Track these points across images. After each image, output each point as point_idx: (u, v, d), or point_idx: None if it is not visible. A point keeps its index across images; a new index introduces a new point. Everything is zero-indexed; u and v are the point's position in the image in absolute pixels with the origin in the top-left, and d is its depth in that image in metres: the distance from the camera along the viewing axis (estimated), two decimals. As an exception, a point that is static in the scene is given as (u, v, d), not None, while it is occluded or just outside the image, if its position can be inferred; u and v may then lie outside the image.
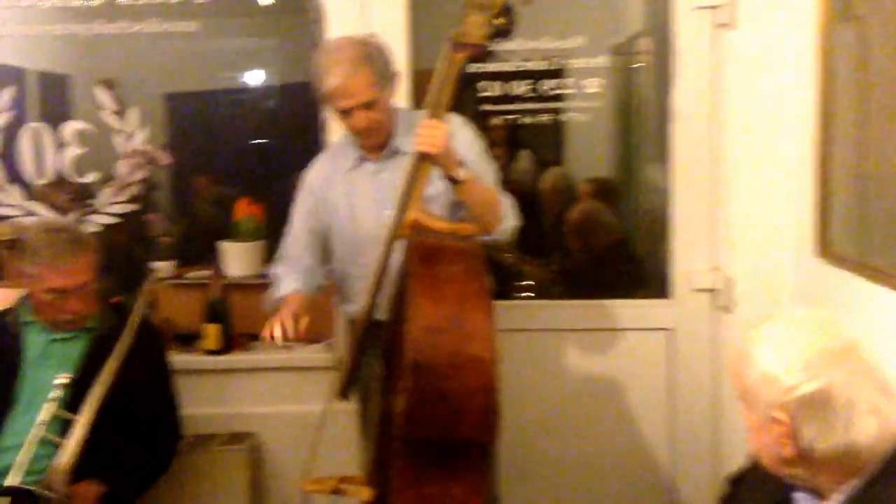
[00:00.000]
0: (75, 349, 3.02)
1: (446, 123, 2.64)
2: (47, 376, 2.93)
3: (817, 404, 1.63)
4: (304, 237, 3.08)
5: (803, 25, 2.91)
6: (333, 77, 2.78)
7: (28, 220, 3.76)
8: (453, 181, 2.69)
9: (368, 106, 2.82)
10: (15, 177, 3.80)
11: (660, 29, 3.53)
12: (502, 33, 3.35)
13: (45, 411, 2.83)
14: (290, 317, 2.78)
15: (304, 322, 2.79)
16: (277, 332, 2.74)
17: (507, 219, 2.88)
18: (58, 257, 2.89)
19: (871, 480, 1.65)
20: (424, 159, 2.63)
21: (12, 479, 2.75)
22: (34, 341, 3.03)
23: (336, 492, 2.67)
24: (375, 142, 2.96)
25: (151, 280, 3.12)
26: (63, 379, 2.86)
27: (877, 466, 1.65)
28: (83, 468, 2.83)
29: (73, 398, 2.86)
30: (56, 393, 2.84)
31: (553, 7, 3.53)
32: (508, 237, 2.93)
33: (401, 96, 3.32)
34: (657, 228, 3.65)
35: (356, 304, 2.98)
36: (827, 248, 2.84)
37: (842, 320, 1.79)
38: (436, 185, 2.79)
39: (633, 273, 3.83)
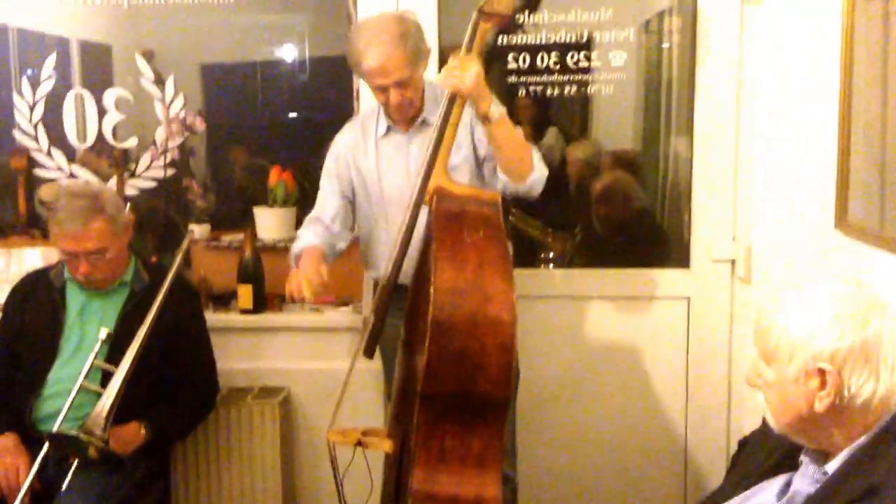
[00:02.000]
0: (114, 305, 3.12)
1: (475, 63, 2.66)
2: (88, 330, 3.07)
3: (866, 354, 1.66)
4: (334, 202, 3.14)
5: (829, 2, 2.92)
6: (371, 56, 2.83)
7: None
8: (487, 120, 2.71)
9: (402, 84, 2.88)
10: (58, 141, 3.93)
11: (688, 4, 3.56)
12: (530, 5, 3.43)
13: (87, 363, 2.95)
14: (309, 271, 2.84)
15: (323, 271, 2.85)
16: (295, 289, 2.80)
17: (538, 168, 2.90)
18: (69, 222, 2.96)
19: (877, 437, 1.68)
20: (456, 102, 2.65)
21: (55, 427, 2.88)
22: (75, 297, 3.13)
23: (359, 443, 2.73)
24: (407, 116, 3.02)
25: (186, 239, 3.18)
26: (105, 333, 2.97)
27: (883, 424, 1.69)
28: (125, 416, 2.96)
29: (112, 351, 2.98)
30: (97, 346, 2.97)
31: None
32: (540, 188, 2.94)
33: (429, 71, 3.33)
34: (680, 200, 3.70)
35: (381, 268, 3.04)
36: (846, 220, 2.83)
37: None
38: (460, 152, 2.84)
39: (656, 244, 3.86)
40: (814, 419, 1.71)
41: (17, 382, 3.10)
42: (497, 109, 2.70)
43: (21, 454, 2.95)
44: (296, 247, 3.09)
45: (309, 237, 3.08)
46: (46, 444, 2.87)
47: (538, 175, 2.90)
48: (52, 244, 3.15)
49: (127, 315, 3.08)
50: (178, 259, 3.10)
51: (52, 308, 3.13)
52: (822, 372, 1.67)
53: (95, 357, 2.96)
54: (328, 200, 3.15)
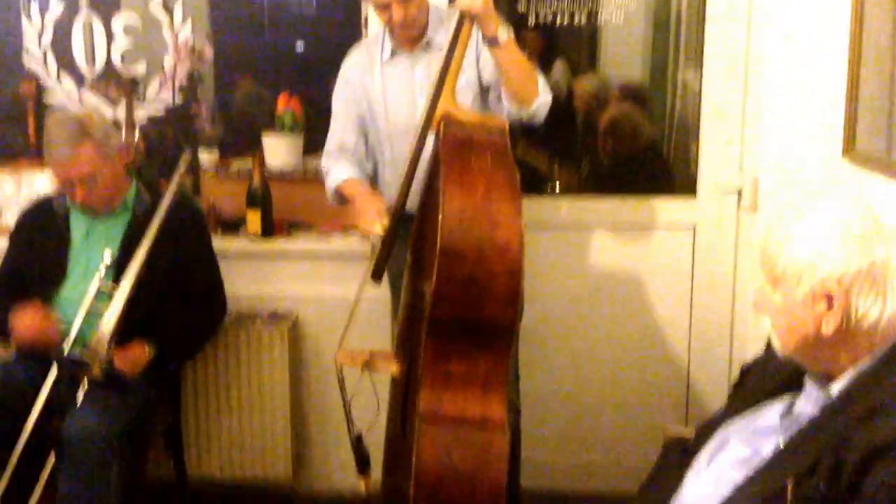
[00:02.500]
0: (117, 228, 3.15)
1: None
2: (93, 254, 3.10)
3: (873, 276, 1.66)
4: (352, 126, 3.15)
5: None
6: None
7: (79, 109, 3.88)
8: (494, 43, 2.71)
9: (405, 0, 2.88)
10: (67, 67, 3.93)
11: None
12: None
13: (93, 286, 2.98)
14: (376, 205, 2.87)
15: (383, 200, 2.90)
16: (378, 229, 2.82)
17: (543, 93, 2.90)
18: (56, 147, 2.99)
19: (882, 360, 1.70)
20: (466, 21, 2.64)
21: (65, 350, 2.92)
22: (79, 223, 3.17)
23: (367, 365, 2.78)
24: (410, 35, 3.02)
25: (182, 161, 3.15)
26: (109, 256, 3.00)
27: (888, 347, 1.71)
28: (132, 336, 3.01)
29: (117, 274, 3.01)
30: (102, 269, 2.99)
31: None
32: (544, 113, 2.94)
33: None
34: (688, 132, 3.70)
35: (387, 193, 3.07)
36: (854, 149, 2.85)
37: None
38: (463, 76, 2.81)
39: (662, 175, 3.87)
40: (820, 342, 1.72)
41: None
42: (504, 32, 2.70)
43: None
44: (333, 180, 3.11)
45: (344, 170, 3.11)
46: (55, 366, 2.91)
47: (543, 100, 2.91)
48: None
49: (130, 237, 3.10)
50: (176, 178, 3.10)
51: (57, 235, 3.17)
52: (829, 295, 1.68)
53: (101, 281, 2.99)
54: (347, 127, 3.17)
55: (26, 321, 2.97)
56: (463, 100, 2.86)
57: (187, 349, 3.33)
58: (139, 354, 3.04)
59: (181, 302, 3.17)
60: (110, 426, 2.85)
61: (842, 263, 1.67)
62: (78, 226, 3.18)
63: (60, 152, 2.98)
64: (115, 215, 3.17)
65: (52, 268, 3.13)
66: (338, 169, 3.12)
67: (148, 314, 3.04)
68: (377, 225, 2.81)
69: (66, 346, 2.93)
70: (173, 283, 3.14)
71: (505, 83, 2.85)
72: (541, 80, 2.91)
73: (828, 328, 1.70)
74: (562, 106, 3.74)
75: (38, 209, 3.26)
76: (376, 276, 2.97)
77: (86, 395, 2.90)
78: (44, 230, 3.20)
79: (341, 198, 3.12)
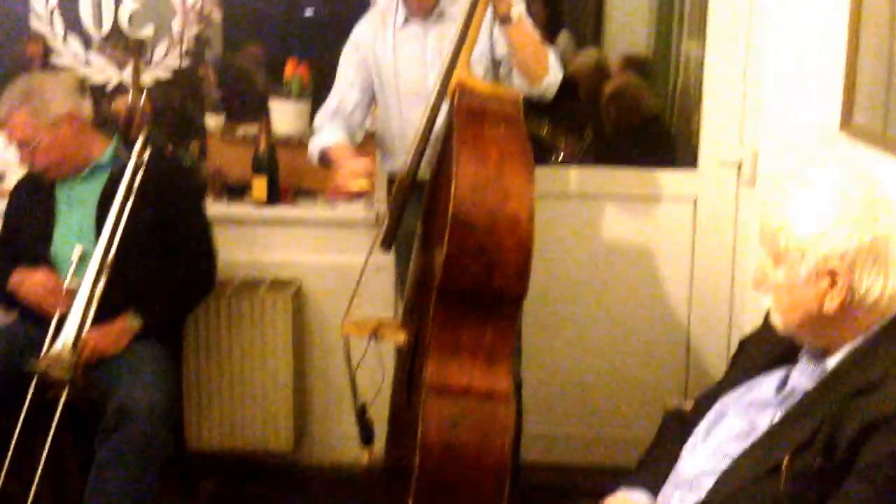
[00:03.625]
0: (95, 189, 3.14)
1: None
2: (75, 217, 3.14)
3: (876, 252, 1.66)
4: (354, 92, 3.16)
5: None
6: None
7: (85, 71, 3.90)
8: (506, 20, 2.72)
9: None
10: (74, 28, 3.90)
11: None
12: None
13: (66, 279, 3.01)
14: (353, 164, 2.89)
15: (365, 161, 2.91)
16: (355, 187, 2.85)
17: (553, 72, 2.92)
18: (5, 111, 3.02)
19: (878, 335, 1.71)
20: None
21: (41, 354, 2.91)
22: (63, 187, 3.17)
23: (374, 334, 2.77)
24: (424, 4, 3.03)
25: (143, 133, 3.14)
26: (78, 251, 3.01)
27: (884, 322, 1.72)
28: (118, 305, 3.01)
29: (99, 237, 3.02)
30: (72, 267, 3.01)
31: None
32: (554, 91, 2.96)
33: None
34: (690, 103, 3.73)
35: (396, 161, 3.07)
36: (851, 123, 2.87)
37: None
38: (476, 48, 2.79)
39: (664, 146, 3.90)
40: (823, 318, 1.72)
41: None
42: (517, 10, 2.71)
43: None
44: (319, 142, 3.12)
45: (333, 133, 3.11)
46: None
47: (553, 78, 2.92)
48: None
49: (106, 198, 3.08)
50: (143, 141, 3.09)
51: (45, 200, 3.17)
52: (832, 271, 1.68)
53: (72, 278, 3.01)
54: (347, 90, 3.17)
55: (35, 281, 3.01)
56: (475, 71, 2.86)
57: (177, 311, 3.27)
58: (123, 330, 3.03)
59: (166, 265, 3.14)
60: (159, 399, 2.88)
61: (845, 239, 1.67)
62: (62, 191, 3.17)
63: (5, 115, 3.02)
64: (94, 176, 3.16)
65: (39, 233, 3.15)
66: (329, 130, 3.13)
67: (131, 278, 3.04)
68: (356, 183, 2.84)
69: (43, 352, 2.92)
70: (156, 242, 3.12)
71: (516, 61, 2.86)
72: (552, 58, 2.92)
73: (831, 305, 1.70)
74: (566, 76, 3.77)
75: (29, 176, 3.25)
76: (386, 243, 2.98)
77: (127, 367, 2.94)
78: (32, 197, 3.21)
79: (324, 159, 3.11)
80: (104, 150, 3.18)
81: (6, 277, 3.08)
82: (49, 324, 2.95)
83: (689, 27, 3.74)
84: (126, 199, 3.00)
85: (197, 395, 3.62)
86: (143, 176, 3.04)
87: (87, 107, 3.16)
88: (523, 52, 2.82)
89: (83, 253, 3.01)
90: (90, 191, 3.14)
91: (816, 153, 3.13)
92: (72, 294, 2.97)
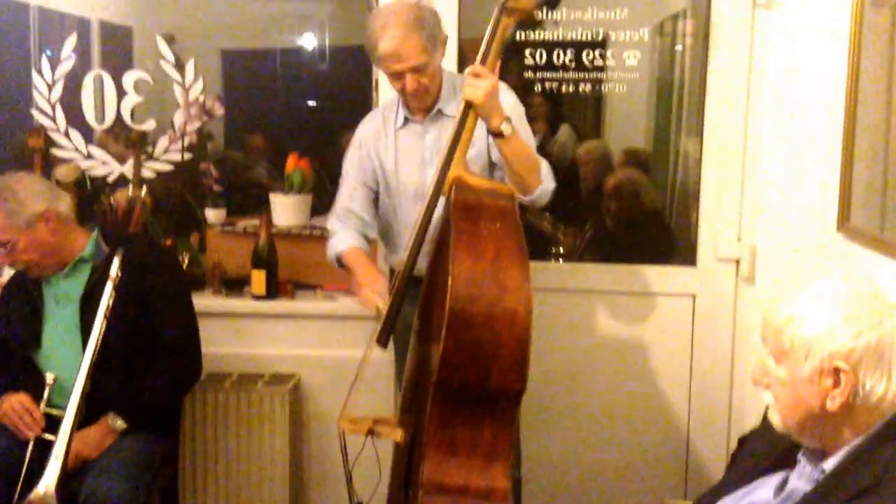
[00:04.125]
0: (78, 284, 3.12)
1: (494, 76, 2.68)
2: (62, 315, 3.12)
3: (879, 353, 1.67)
4: (360, 191, 3.17)
5: (838, 8, 2.95)
6: (386, 41, 2.84)
7: (87, 164, 3.93)
8: (498, 135, 2.74)
9: (418, 70, 2.89)
10: (76, 122, 3.95)
11: (700, 6, 3.58)
12: (550, 2, 3.45)
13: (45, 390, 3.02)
14: (375, 284, 2.90)
15: (383, 282, 2.91)
16: (381, 304, 2.83)
17: (546, 181, 2.94)
18: None
19: (875, 437, 1.70)
20: (472, 109, 2.67)
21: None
22: (49, 283, 3.15)
23: (370, 432, 2.73)
24: (423, 104, 3.05)
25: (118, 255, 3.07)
26: (51, 378, 3.01)
27: (881, 424, 1.71)
28: (99, 404, 2.98)
29: (84, 336, 3.00)
30: (46, 392, 3.01)
31: (598, -22, 3.58)
32: (545, 200, 2.99)
33: (449, 63, 3.39)
34: (688, 199, 3.74)
35: (398, 256, 3.06)
36: (848, 224, 2.87)
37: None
38: (473, 148, 2.84)
39: (664, 241, 3.89)
40: (824, 417, 1.72)
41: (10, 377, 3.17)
42: (508, 126, 2.73)
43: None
44: (336, 245, 3.13)
45: (349, 236, 3.13)
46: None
47: (545, 188, 2.94)
48: None
49: (88, 296, 3.07)
50: (117, 260, 3.03)
51: (31, 300, 3.16)
52: (836, 370, 1.68)
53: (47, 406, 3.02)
54: (356, 190, 3.19)
55: (12, 403, 2.99)
56: (471, 168, 2.88)
57: (156, 409, 3.18)
58: (103, 435, 3.01)
59: (148, 362, 3.11)
60: (125, 490, 2.84)
61: (851, 339, 1.67)
62: (48, 287, 3.16)
63: None
64: (77, 271, 3.13)
65: (28, 333, 3.13)
66: (343, 235, 3.14)
67: (113, 379, 3.02)
68: (375, 305, 2.85)
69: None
70: (139, 340, 3.09)
71: (508, 171, 2.87)
72: (544, 168, 2.95)
73: (833, 404, 1.70)
74: (566, 169, 3.81)
75: (17, 274, 3.23)
76: (382, 340, 2.96)
77: (104, 454, 2.93)
78: (20, 295, 3.19)
79: (341, 264, 3.13)
80: (85, 243, 3.15)
81: None
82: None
83: (688, 124, 3.77)
84: (107, 308, 2.97)
85: (192, 486, 3.59)
86: (125, 273, 3.01)
87: (65, 203, 3.12)
88: (516, 164, 2.84)
89: (55, 378, 3.01)
90: (74, 286, 3.12)
91: (815, 252, 3.14)
92: (47, 418, 2.96)
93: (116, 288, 2.98)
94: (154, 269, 3.17)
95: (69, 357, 3.02)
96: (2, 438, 3.03)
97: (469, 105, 2.69)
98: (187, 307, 3.26)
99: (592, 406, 3.72)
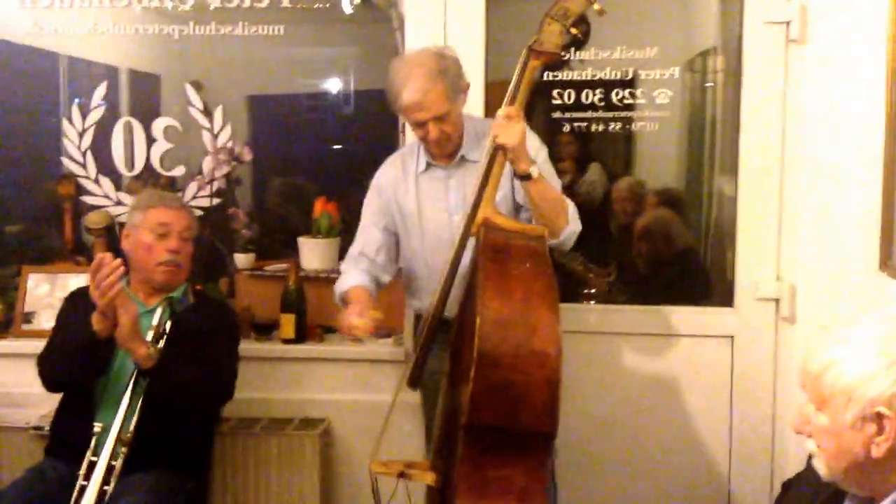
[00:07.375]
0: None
1: (522, 120, 2.69)
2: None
3: None
4: (377, 235, 3.17)
5: (874, 42, 2.91)
6: (409, 91, 2.85)
7: (117, 210, 3.95)
8: (525, 178, 2.73)
9: (441, 119, 2.90)
10: (106, 169, 3.98)
11: (731, 42, 3.57)
12: (577, 42, 3.44)
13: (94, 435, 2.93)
14: (358, 312, 2.85)
15: (374, 316, 2.85)
16: (357, 322, 2.81)
17: (572, 223, 2.92)
18: None
19: None
20: (500, 153, 2.67)
21: None
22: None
23: (402, 475, 2.72)
24: (444, 150, 3.04)
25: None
26: (97, 427, 2.91)
27: None
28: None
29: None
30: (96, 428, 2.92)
31: (626, 18, 3.58)
32: (572, 242, 2.97)
33: (475, 106, 3.40)
34: (724, 239, 3.69)
35: (423, 301, 3.07)
36: (891, 262, 2.80)
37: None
38: (501, 189, 2.83)
39: (699, 282, 3.85)
40: (870, 464, 1.69)
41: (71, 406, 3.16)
42: (535, 169, 2.73)
43: None
44: (341, 285, 3.12)
45: (354, 276, 3.12)
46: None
47: (571, 230, 2.93)
48: None
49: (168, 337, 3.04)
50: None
51: None
52: (879, 416, 1.66)
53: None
54: (371, 234, 3.18)
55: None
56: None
57: (180, 389, 3.06)
58: (135, 330, 2.94)
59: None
60: None
61: (892, 383, 1.65)
62: None
63: None
64: (155, 308, 3.10)
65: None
66: (351, 274, 3.13)
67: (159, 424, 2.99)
68: (351, 326, 2.83)
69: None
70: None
71: (535, 213, 2.86)
72: (571, 210, 2.93)
73: (878, 451, 1.67)
74: (597, 209, 3.77)
75: (85, 293, 3.16)
76: (412, 382, 2.94)
77: (136, 479, 2.91)
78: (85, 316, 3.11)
79: (343, 301, 3.10)
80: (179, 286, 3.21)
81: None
82: (76, 462, 2.89)
83: (721, 162, 3.73)
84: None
85: (222, 531, 3.58)
86: (193, 336, 3.05)
87: None
88: (543, 206, 2.83)
89: (102, 428, 2.91)
90: (148, 324, 3.05)
91: (857, 291, 3.08)
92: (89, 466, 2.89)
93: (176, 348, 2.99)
94: (219, 332, 3.22)
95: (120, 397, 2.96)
96: (55, 468, 3.04)
97: (496, 150, 2.68)
98: (233, 356, 3.29)
99: (630, 450, 3.66)
